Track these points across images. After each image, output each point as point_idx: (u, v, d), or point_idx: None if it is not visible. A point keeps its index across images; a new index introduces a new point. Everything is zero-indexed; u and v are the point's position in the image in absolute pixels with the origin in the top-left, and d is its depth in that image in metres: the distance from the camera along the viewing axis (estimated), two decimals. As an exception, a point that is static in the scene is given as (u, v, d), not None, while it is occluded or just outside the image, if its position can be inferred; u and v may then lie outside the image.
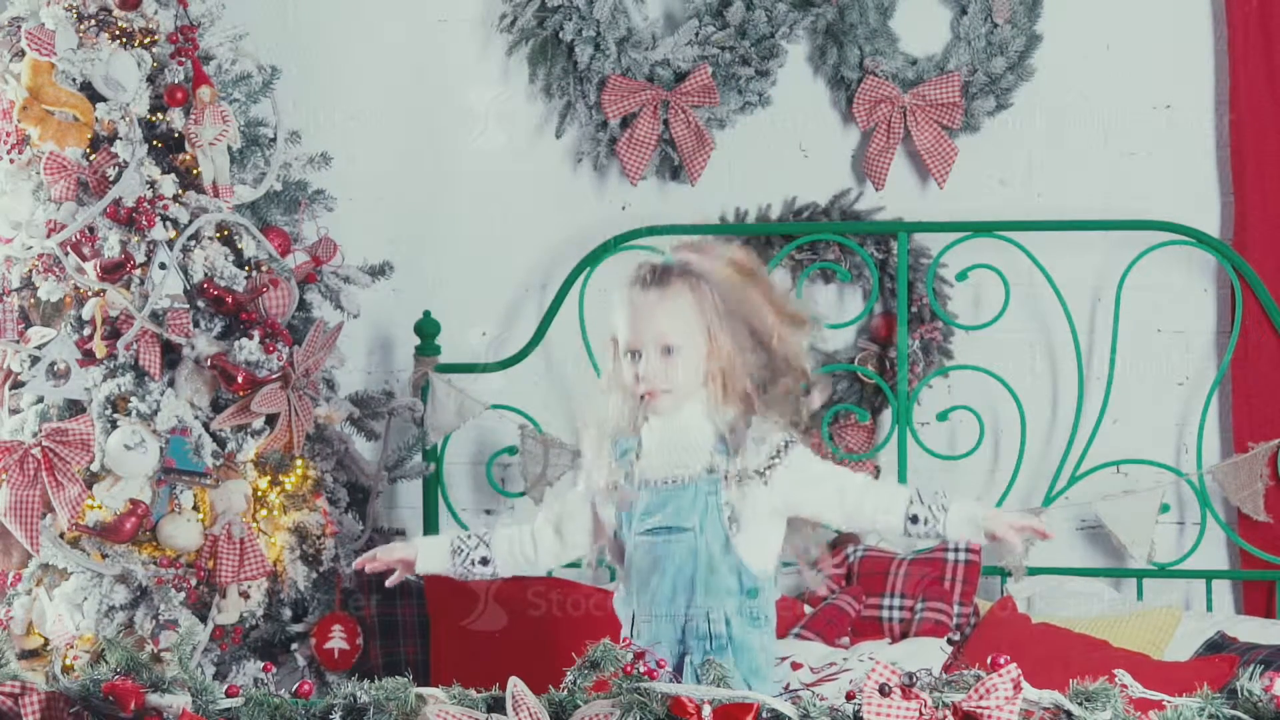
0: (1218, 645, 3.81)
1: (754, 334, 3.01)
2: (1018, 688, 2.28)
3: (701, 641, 2.98)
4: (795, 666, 3.75)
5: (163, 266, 3.86)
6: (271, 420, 3.91)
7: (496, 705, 2.37)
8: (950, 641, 3.89)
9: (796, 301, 3.13)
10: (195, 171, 3.94)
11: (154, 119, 3.93)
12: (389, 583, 3.21)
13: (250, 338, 3.87)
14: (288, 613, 3.97)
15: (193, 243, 3.92)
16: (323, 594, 4.00)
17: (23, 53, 3.89)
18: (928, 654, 3.76)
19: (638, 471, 3.02)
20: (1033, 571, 4.24)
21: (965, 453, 4.35)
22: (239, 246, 4.00)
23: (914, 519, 2.99)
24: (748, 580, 3.00)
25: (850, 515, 3.04)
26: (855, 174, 4.50)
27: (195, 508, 3.85)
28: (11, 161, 3.91)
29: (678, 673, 2.97)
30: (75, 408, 3.85)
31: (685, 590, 2.99)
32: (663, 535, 2.99)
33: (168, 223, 3.89)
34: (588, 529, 3.12)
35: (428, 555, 3.14)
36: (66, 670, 3.45)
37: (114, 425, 3.80)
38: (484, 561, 3.12)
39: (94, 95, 3.90)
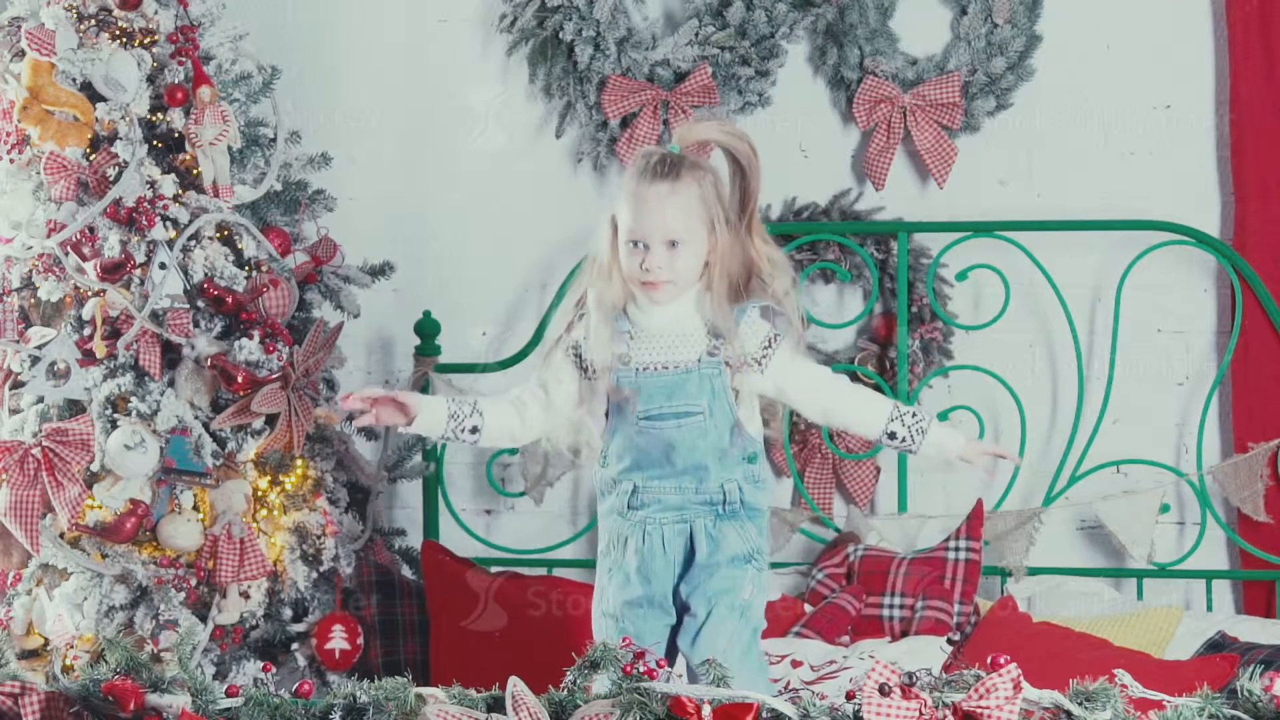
0: (1218, 645, 3.81)
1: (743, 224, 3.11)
2: (1018, 687, 2.28)
3: (713, 507, 3.07)
4: (795, 665, 3.75)
5: (163, 266, 3.86)
6: (271, 420, 3.91)
7: (496, 705, 2.37)
8: (950, 641, 3.89)
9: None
10: (195, 171, 3.94)
11: (154, 119, 3.93)
12: (359, 421, 3.16)
13: (250, 338, 3.87)
14: (288, 613, 3.97)
15: (193, 243, 3.92)
16: (323, 594, 4.00)
17: (23, 53, 3.89)
18: (928, 653, 3.76)
19: (634, 357, 3.07)
20: (1033, 571, 4.24)
21: (965, 453, 4.34)
22: (239, 246, 4.00)
23: (892, 435, 3.13)
24: (750, 447, 3.10)
25: (828, 412, 3.18)
26: (855, 174, 4.51)
27: (195, 508, 3.85)
28: (11, 161, 3.92)
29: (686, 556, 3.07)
30: (75, 408, 3.85)
31: (697, 470, 3.06)
32: (671, 420, 3.06)
33: (168, 223, 3.89)
34: (573, 394, 3.13)
35: (427, 413, 3.10)
36: (66, 670, 3.45)
37: (114, 425, 3.80)
38: (474, 430, 3.12)
39: (94, 95, 3.90)
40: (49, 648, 3.79)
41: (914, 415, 3.13)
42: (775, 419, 3.27)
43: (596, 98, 4.49)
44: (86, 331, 3.85)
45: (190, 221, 3.92)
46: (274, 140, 4.14)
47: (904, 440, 3.12)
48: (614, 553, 3.12)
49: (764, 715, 2.30)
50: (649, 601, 3.09)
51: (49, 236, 3.85)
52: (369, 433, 4.23)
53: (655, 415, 3.06)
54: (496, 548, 4.51)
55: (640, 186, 3.05)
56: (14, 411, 3.87)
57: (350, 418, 4.14)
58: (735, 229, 3.08)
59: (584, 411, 3.15)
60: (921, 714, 2.27)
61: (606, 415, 3.11)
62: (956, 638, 3.91)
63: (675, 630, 3.13)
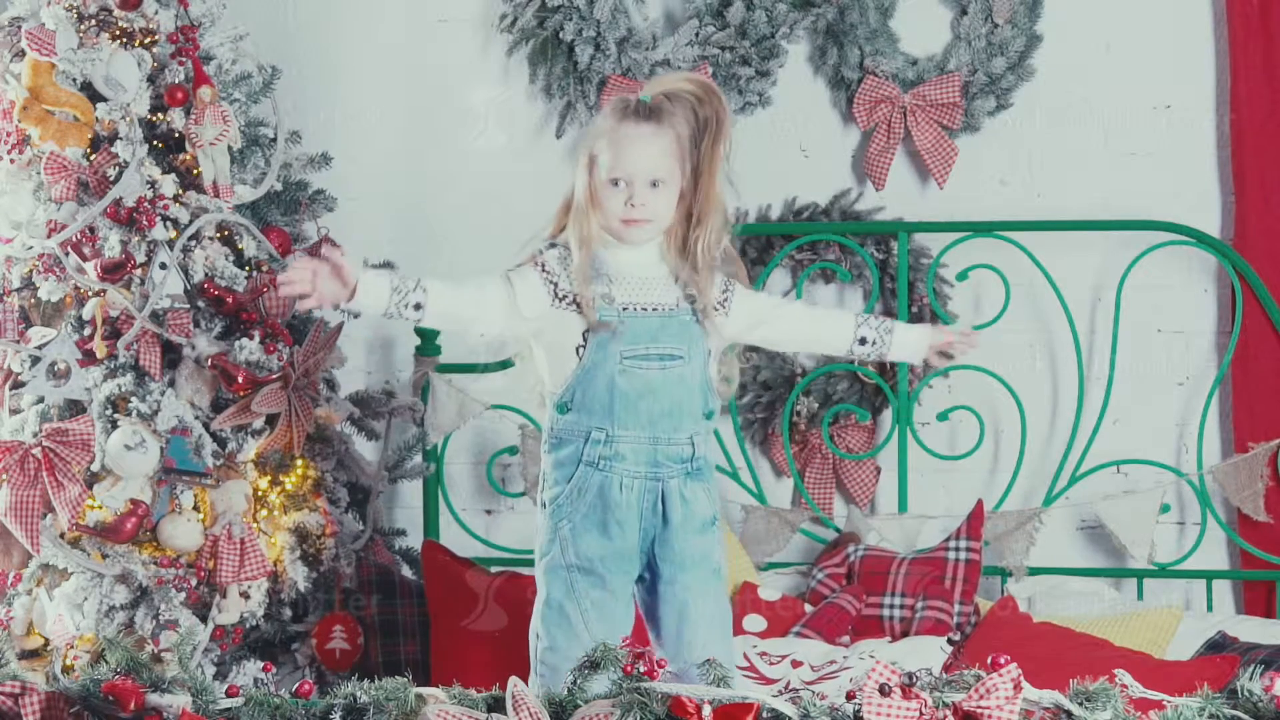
0: (1218, 645, 3.81)
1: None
2: (1018, 688, 2.28)
3: (681, 464, 3.11)
4: (795, 665, 3.75)
5: (163, 266, 3.86)
6: (272, 420, 3.91)
7: (496, 705, 2.37)
8: (950, 641, 3.89)
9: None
10: (196, 171, 3.94)
11: (154, 119, 3.93)
12: (302, 305, 3.07)
13: (250, 338, 3.87)
14: (288, 613, 3.97)
15: (193, 243, 3.92)
16: (323, 594, 4.00)
17: (23, 53, 3.89)
18: (928, 653, 3.75)
19: (617, 296, 3.10)
20: (1033, 571, 4.25)
21: (965, 453, 4.35)
22: (239, 246, 4.00)
23: (862, 340, 3.27)
24: (711, 402, 3.17)
25: (796, 335, 3.32)
26: (855, 174, 4.51)
27: (195, 508, 3.85)
28: (12, 161, 3.92)
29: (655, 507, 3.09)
30: (76, 408, 3.85)
31: (672, 415, 3.09)
32: (654, 362, 3.09)
33: (168, 223, 3.89)
34: (539, 312, 3.11)
35: (369, 285, 3.06)
36: (66, 670, 3.45)
37: (114, 425, 3.80)
38: (417, 307, 3.11)
39: (94, 95, 3.90)
40: (49, 648, 3.79)
41: (878, 318, 3.29)
42: (732, 379, 3.30)
43: (597, 98, 4.49)
44: (87, 331, 3.85)
45: (190, 221, 3.92)
46: (274, 140, 4.14)
47: (874, 343, 3.27)
48: (576, 503, 3.09)
49: (764, 715, 2.30)
50: (620, 555, 3.09)
51: (49, 236, 3.85)
52: (369, 433, 4.23)
53: (641, 355, 3.09)
54: (496, 548, 4.51)
55: (624, 126, 3.10)
56: (14, 411, 3.87)
57: (350, 418, 4.15)
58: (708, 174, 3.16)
59: (536, 346, 3.14)
60: (922, 714, 2.27)
61: (578, 353, 3.10)
62: (957, 638, 3.91)
63: (645, 590, 3.14)
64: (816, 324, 3.34)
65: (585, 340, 3.09)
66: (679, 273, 3.14)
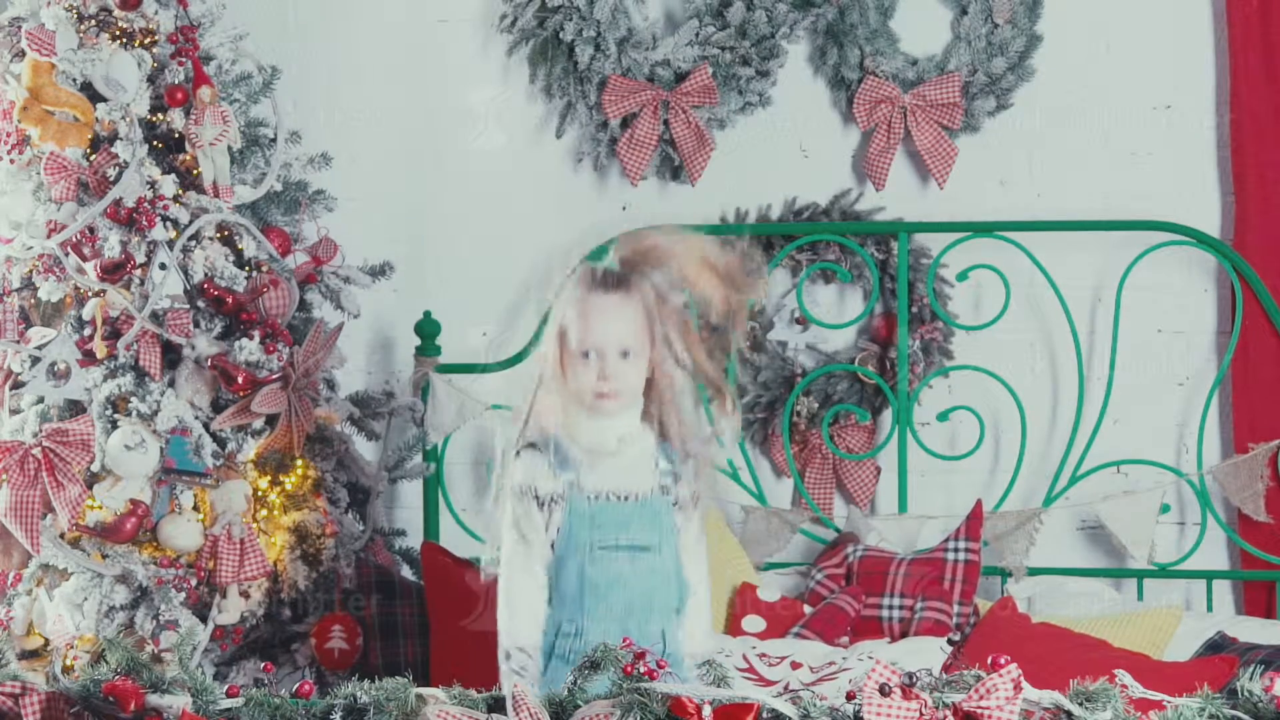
0: (1218, 645, 3.81)
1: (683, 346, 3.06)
2: (1018, 688, 2.28)
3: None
4: (795, 666, 3.75)
5: (163, 267, 3.86)
6: (272, 420, 3.91)
7: (496, 705, 2.37)
8: (950, 641, 3.89)
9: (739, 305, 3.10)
10: (195, 172, 3.94)
11: (154, 119, 3.93)
12: None
13: (250, 338, 3.87)
14: (288, 613, 3.97)
15: (193, 243, 3.92)
16: (323, 594, 4.00)
17: (23, 53, 3.89)
18: (928, 654, 3.75)
19: (587, 483, 3.00)
20: (1033, 572, 4.24)
21: (965, 453, 4.35)
22: (239, 247, 4.00)
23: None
24: (683, 593, 3.07)
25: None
26: (855, 174, 4.51)
27: (195, 508, 3.85)
28: (12, 162, 3.92)
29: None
30: (75, 408, 3.85)
31: (642, 609, 3.01)
32: (626, 552, 3.00)
33: (168, 223, 3.89)
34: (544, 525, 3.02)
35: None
36: (67, 670, 3.44)
37: (114, 425, 3.80)
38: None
39: (94, 95, 3.90)
40: (49, 648, 3.79)
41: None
42: (724, 438, 3.20)
43: (597, 98, 4.49)
44: (87, 332, 3.85)
45: (190, 222, 3.92)
46: (274, 140, 4.14)
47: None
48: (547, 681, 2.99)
49: (764, 715, 2.30)
50: None
51: (49, 237, 3.85)
52: (369, 433, 4.23)
53: (611, 546, 3.00)
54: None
55: (592, 296, 3.00)
56: (14, 412, 3.87)
57: (350, 418, 4.15)
58: (692, 346, 3.05)
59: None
60: (921, 714, 2.27)
61: (552, 547, 3.01)
62: (956, 638, 3.91)
63: None
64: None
65: (557, 532, 3.00)
66: (683, 447, 3.04)
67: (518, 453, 3.02)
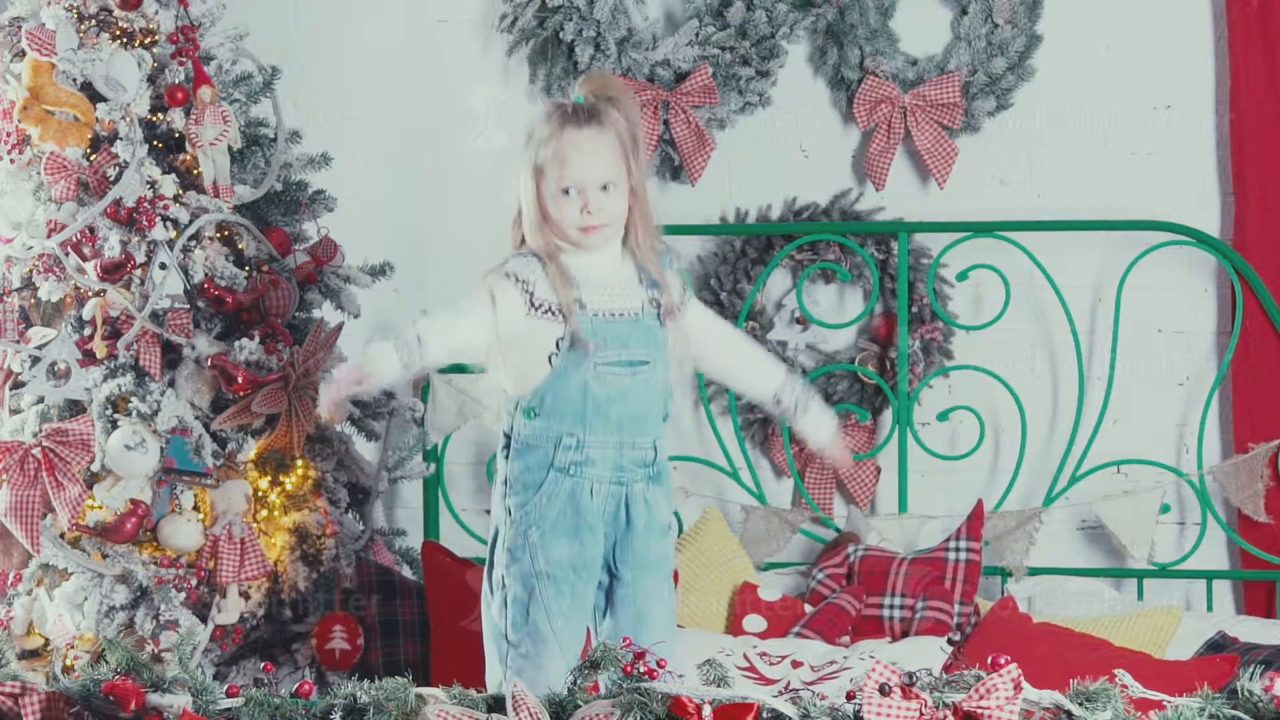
0: (1218, 645, 3.81)
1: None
2: (1018, 688, 2.28)
3: (644, 469, 3.11)
4: (795, 665, 3.75)
5: (163, 266, 3.86)
6: (272, 420, 3.91)
7: (496, 705, 2.37)
8: (950, 641, 3.89)
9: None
10: (196, 172, 3.94)
11: (154, 119, 3.93)
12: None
13: (250, 338, 3.87)
14: (288, 613, 3.97)
15: (193, 243, 3.92)
16: (323, 594, 4.00)
17: (23, 53, 3.89)
18: (928, 653, 3.75)
19: (588, 302, 3.07)
20: (1033, 571, 4.25)
21: (965, 453, 4.35)
22: (239, 246, 4.00)
23: (778, 401, 3.28)
24: (669, 404, 3.17)
25: (730, 365, 3.31)
26: (855, 174, 4.51)
27: (195, 508, 3.85)
28: (12, 162, 3.91)
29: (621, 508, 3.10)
30: (76, 408, 3.85)
31: (639, 420, 3.09)
32: (625, 368, 3.08)
33: (168, 223, 3.89)
34: (517, 320, 3.08)
35: (377, 365, 3.06)
36: (67, 670, 3.43)
37: (114, 425, 3.80)
38: (423, 365, 3.10)
39: (94, 95, 3.90)
40: (49, 648, 3.79)
41: (803, 388, 3.28)
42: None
43: (597, 98, 4.48)
44: (87, 331, 3.85)
45: (190, 221, 3.91)
46: (274, 140, 4.14)
47: (786, 408, 3.27)
48: (545, 509, 3.08)
49: (764, 715, 2.30)
50: (589, 561, 3.09)
51: (49, 237, 3.85)
52: (369, 433, 4.23)
53: (614, 362, 3.07)
54: (497, 548, 4.51)
55: (567, 133, 3.06)
56: (14, 411, 3.87)
57: (350, 418, 4.15)
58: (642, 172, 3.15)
59: (503, 355, 3.12)
60: (922, 714, 2.27)
61: (550, 360, 3.07)
62: (956, 638, 3.91)
63: (601, 593, 3.15)
64: (749, 361, 3.32)
65: (558, 347, 3.07)
66: (648, 268, 3.12)
67: (523, 254, 3.10)
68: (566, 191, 3.06)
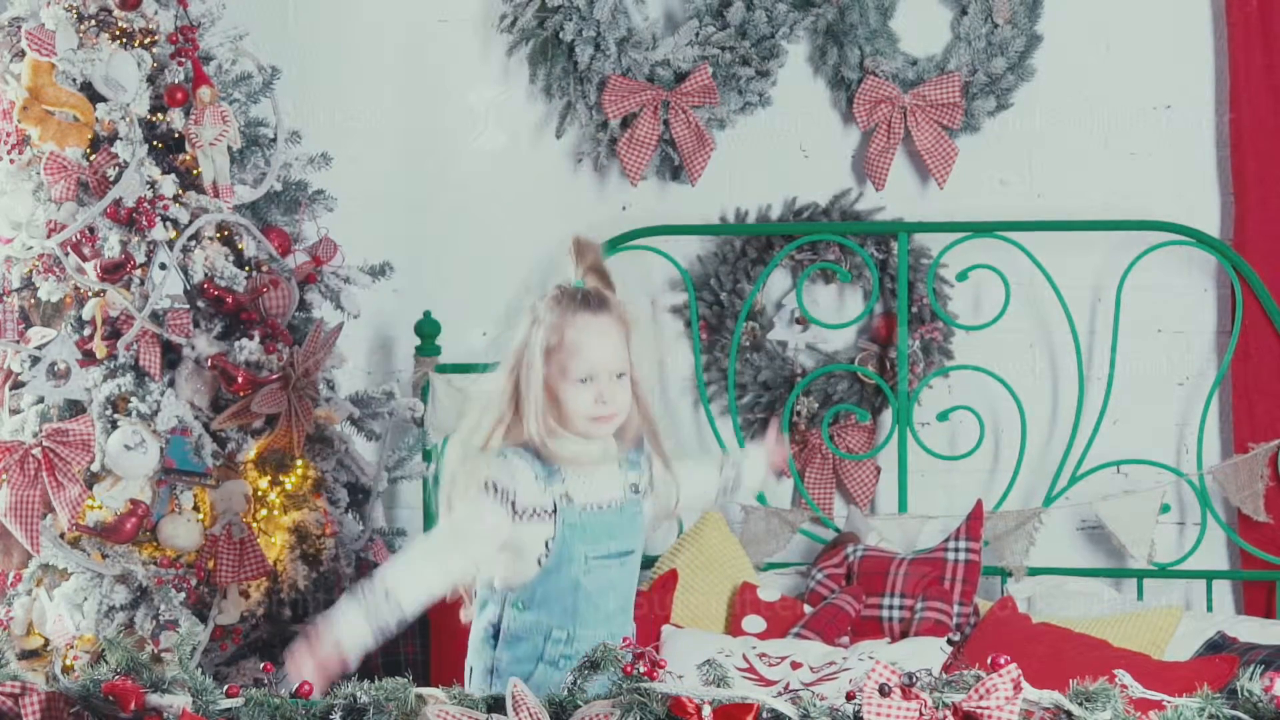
0: (1218, 645, 3.81)
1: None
2: (1018, 688, 2.28)
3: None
4: (795, 666, 3.75)
5: (163, 267, 3.86)
6: (272, 420, 3.91)
7: (496, 705, 2.37)
8: (950, 641, 3.89)
9: None
10: (195, 172, 3.94)
11: (154, 119, 3.93)
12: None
13: (250, 338, 3.87)
14: (288, 613, 3.97)
15: (193, 243, 3.92)
16: (323, 594, 4.00)
17: (23, 53, 3.89)
18: (928, 654, 3.75)
19: (575, 496, 2.98)
20: (1033, 572, 4.25)
21: (965, 453, 4.35)
22: (239, 246, 4.01)
23: (723, 489, 3.27)
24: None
25: (688, 495, 3.18)
26: (855, 174, 4.51)
27: (195, 508, 3.86)
28: (12, 162, 3.92)
29: None
30: (75, 408, 3.85)
31: (626, 611, 3.05)
32: (616, 559, 3.01)
33: (168, 223, 3.90)
34: (504, 534, 2.96)
35: (350, 638, 2.85)
36: (66, 670, 3.45)
37: (114, 425, 3.81)
38: (400, 623, 2.93)
39: (94, 95, 3.90)
40: (49, 648, 3.79)
41: (726, 458, 3.29)
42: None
43: (597, 98, 4.49)
44: (86, 332, 3.85)
45: (190, 222, 3.92)
46: (274, 140, 4.15)
47: (728, 481, 3.27)
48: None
49: (764, 715, 2.30)
50: None
51: (49, 237, 3.85)
52: (369, 433, 4.24)
53: (603, 555, 2.99)
54: (496, 548, 4.51)
55: (582, 319, 2.95)
56: (14, 412, 3.87)
57: (350, 418, 4.15)
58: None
59: (498, 554, 3.00)
60: (921, 714, 2.27)
61: (539, 562, 2.97)
62: (956, 638, 3.91)
63: None
64: (687, 480, 3.17)
65: (547, 548, 2.96)
66: (652, 453, 3.05)
67: (502, 454, 2.96)
68: (584, 380, 2.95)
